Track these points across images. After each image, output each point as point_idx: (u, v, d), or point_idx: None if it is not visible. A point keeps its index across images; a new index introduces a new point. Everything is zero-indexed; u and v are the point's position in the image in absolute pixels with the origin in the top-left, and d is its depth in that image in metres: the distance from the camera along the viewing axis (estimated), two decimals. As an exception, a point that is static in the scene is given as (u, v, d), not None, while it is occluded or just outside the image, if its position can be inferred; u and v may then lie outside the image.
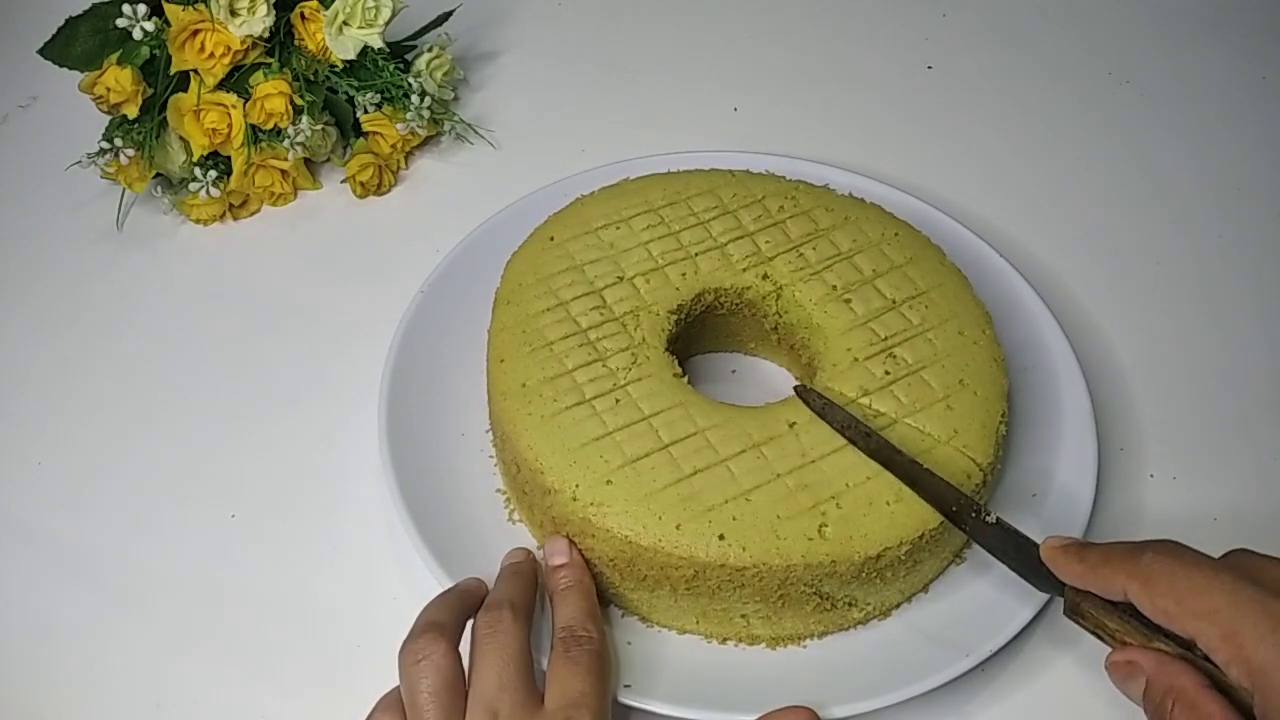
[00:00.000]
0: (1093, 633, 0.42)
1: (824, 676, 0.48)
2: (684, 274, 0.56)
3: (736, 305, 0.57)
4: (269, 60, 0.66)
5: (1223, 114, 0.77)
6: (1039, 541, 0.45)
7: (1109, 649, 0.42)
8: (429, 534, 0.51)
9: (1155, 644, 0.39)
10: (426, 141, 0.73)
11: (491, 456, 0.56)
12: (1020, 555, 0.45)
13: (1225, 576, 0.38)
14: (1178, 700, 0.38)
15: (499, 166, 0.73)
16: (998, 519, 0.47)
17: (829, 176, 0.63)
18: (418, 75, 0.70)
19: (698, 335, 0.58)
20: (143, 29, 0.63)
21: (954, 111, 0.77)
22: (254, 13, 0.65)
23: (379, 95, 0.69)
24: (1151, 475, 0.58)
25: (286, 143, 0.66)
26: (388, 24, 0.68)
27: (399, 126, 0.69)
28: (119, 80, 0.63)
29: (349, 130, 0.71)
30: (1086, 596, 0.42)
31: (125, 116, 0.65)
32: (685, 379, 0.52)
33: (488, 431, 0.56)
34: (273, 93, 0.65)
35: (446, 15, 0.74)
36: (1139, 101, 0.78)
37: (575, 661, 0.45)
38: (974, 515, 0.47)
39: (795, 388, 0.50)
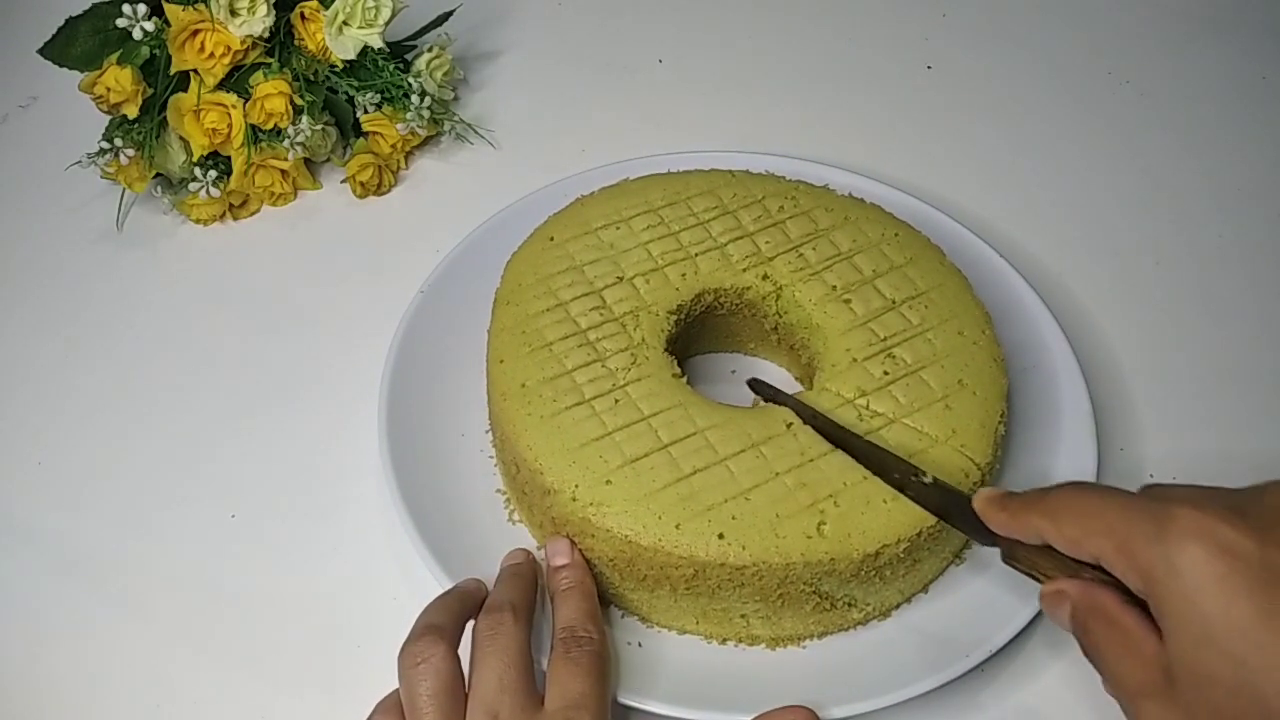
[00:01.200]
0: (1029, 575, 0.43)
1: (823, 677, 0.48)
2: (684, 274, 0.56)
3: (736, 305, 0.57)
4: (269, 60, 0.66)
5: (1223, 114, 0.77)
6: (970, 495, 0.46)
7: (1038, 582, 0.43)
8: (429, 534, 0.51)
9: (1080, 574, 0.41)
10: (426, 141, 0.73)
11: (491, 456, 0.56)
12: (960, 512, 0.46)
13: (1118, 494, 0.39)
14: (1097, 617, 0.39)
15: (499, 166, 0.73)
16: (934, 479, 0.47)
17: (829, 176, 0.63)
18: (418, 75, 0.70)
19: (697, 335, 0.58)
20: (143, 29, 0.63)
21: (954, 111, 0.77)
22: (254, 13, 0.65)
23: (379, 95, 0.69)
24: (1151, 475, 0.58)
25: (286, 143, 0.66)
26: (388, 24, 0.68)
27: (399, 126, 0.69)
28: (119, 80, 0.63)
29: (349, 130, 0.71)
30: (1018, 543, 0.43)
31: (125, 116, 0.65)
32: (685, 379, 0.52)
33: (488, 431, 0.57)
34: (273, 93, 0.65)
35: (446, 15, 0.74)
36: (1139, 101, 0.78)
37: (575, 662, 0.45)
38: (914, 478, 0.47)
39: (748, 381, 0.52)
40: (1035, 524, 0.41)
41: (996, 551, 0.45)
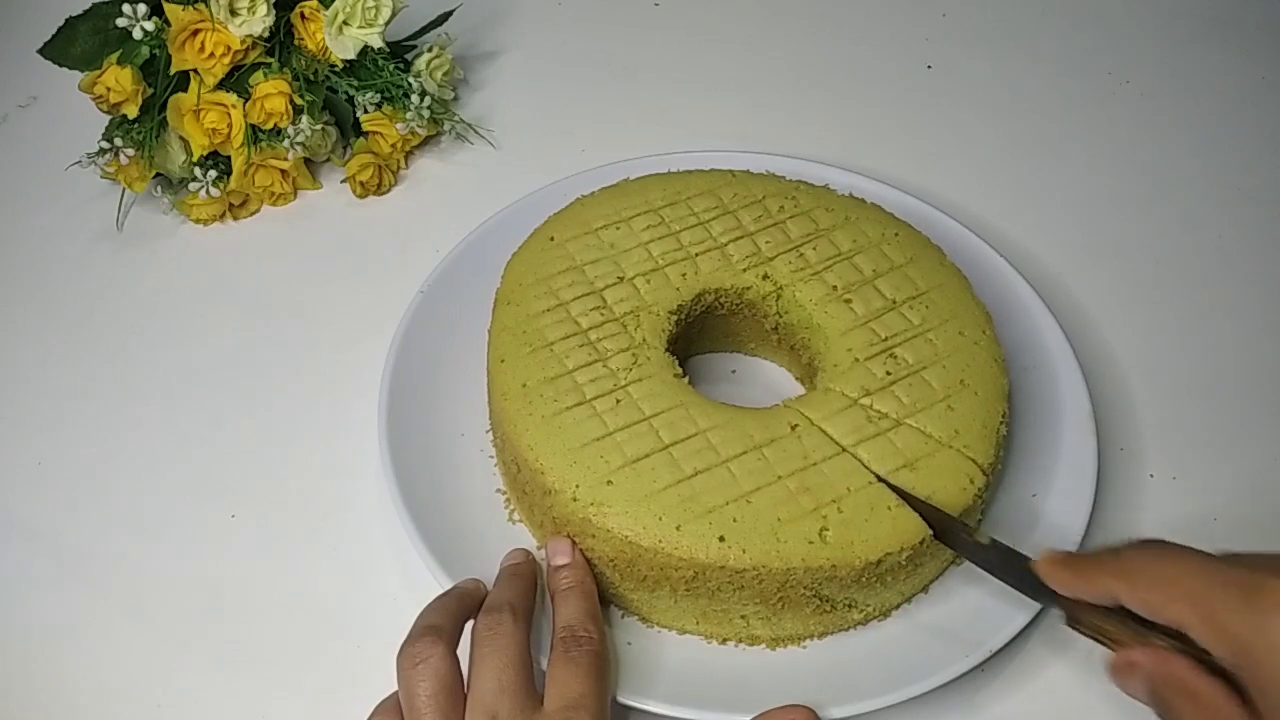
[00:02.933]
0: (1095, 639, 0.42)
1: (823, 677, 0.48)
2: (684, 274, 0.56)
3: (737, 305, 0.57)
4: (269, 60, 0.66)
5: (1223, 114, 0.77)
6: (1030, 556, 0.45)
7: (1102, 653, 0.42)
8: (429, 534, 0.51)
9: (1151, 640, 0.40)
10: (426, 141, 0.73)
11: (491, 456, 0.56)
12: (1015, 571, 0.46)
13: (1198, 560, 0.38)
14: (1178, 690, 0.38)
15: (499, 166, 0.73)
16: (992, 539, 0.47)
17: (829, 176, 0.63)
18: (418, 75, 0.70)
19: (698, 335, 0.58)
20: (143, 29, 0.63)
21: (954, 111, 0.77)
22: (254, 12, 0.65)
23: (379, 95, 0.69)
24: (1151, 475, 0.58)
25: (286, 143, 0.66)
26: (388, 24, 0.68)
27: (399, 126, 0.69)
28: (119, 80, 0.63)
29: (349, 130, 0.71)
30: (1082, 604, 0.42)
31: (125, 116, 0.65)
32: (686, 379, 0.52)
33: (488, 431, 0.57)
34: (273, 93, 0.65)
35: (446, 15, 0.74)
36: (1139, 101, 0.78)
37: (575, 662, 0.45)
38: (969, 539, 0.47)
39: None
40: (1108, 585, 0.40)
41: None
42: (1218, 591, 0.36)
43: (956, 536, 0.47)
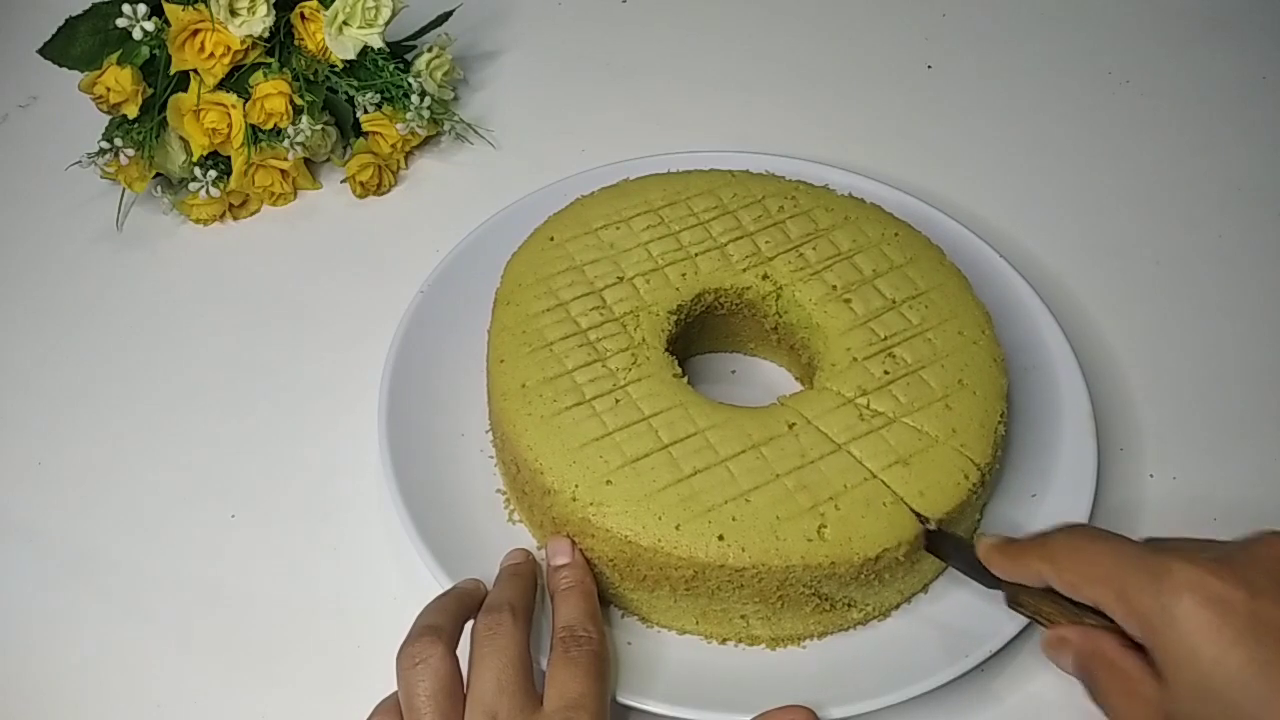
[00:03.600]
0: (1033, 619, 0.45)
1: (823, 677, 0.48)
2: (684, 274, 0.56)
3: (736, 305, 0.57)
4: (269, 60, 0.66)
5: (1223, 114, 0.77)
6: (973, 542, 0.47)
7: (1043, 626, 0.44)
8: (429, 534, 0.51)
9: (1082, 619, 0.42)
10: (426, 141, 0.73)
11: (491, 456, 0.56)
12: (964, 556, 0.47)
13: (1116, 542, 0.41)
14: (1100, 662, 0.41)
15: (499, 166, 0.73)
16: (937, 526, 0.48)
17: (829, 176, 0.63)
18: (418, 75, 0.70)
19: (698, 335, 0.58)
20: (143, 29, 0.63)
21: (954, 111, 0.77)
22: (254, 13, 0.65)
23: (379, 95, 0.69)
24: (1151, 475, 0.58)
25: (286, 143, 0.66)
26: (388, 24, 0.68)
27: (399, 126, 0.69)
28: (119, 80, 0.63)
29: (349, 130, 0.71)
30: (1021, 586, 0.44)
31: (125, 116, 0.65)
32: (685, 379, 0.52)
33: (488, 431, 0.57)
34: (273, 93, 0.65)
35: (446, 15, 0.74)
36: (1139, 101, 0.78)
37: (575, 662, 0.45)
38: (922, 524, 0.48)
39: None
40: (1036, 567, 0.43)
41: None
42: (1129, 573, 0.39)
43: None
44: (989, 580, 0.46)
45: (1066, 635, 0.42)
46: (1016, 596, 0.45)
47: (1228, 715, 0.36)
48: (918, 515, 0.48)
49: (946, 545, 0.48)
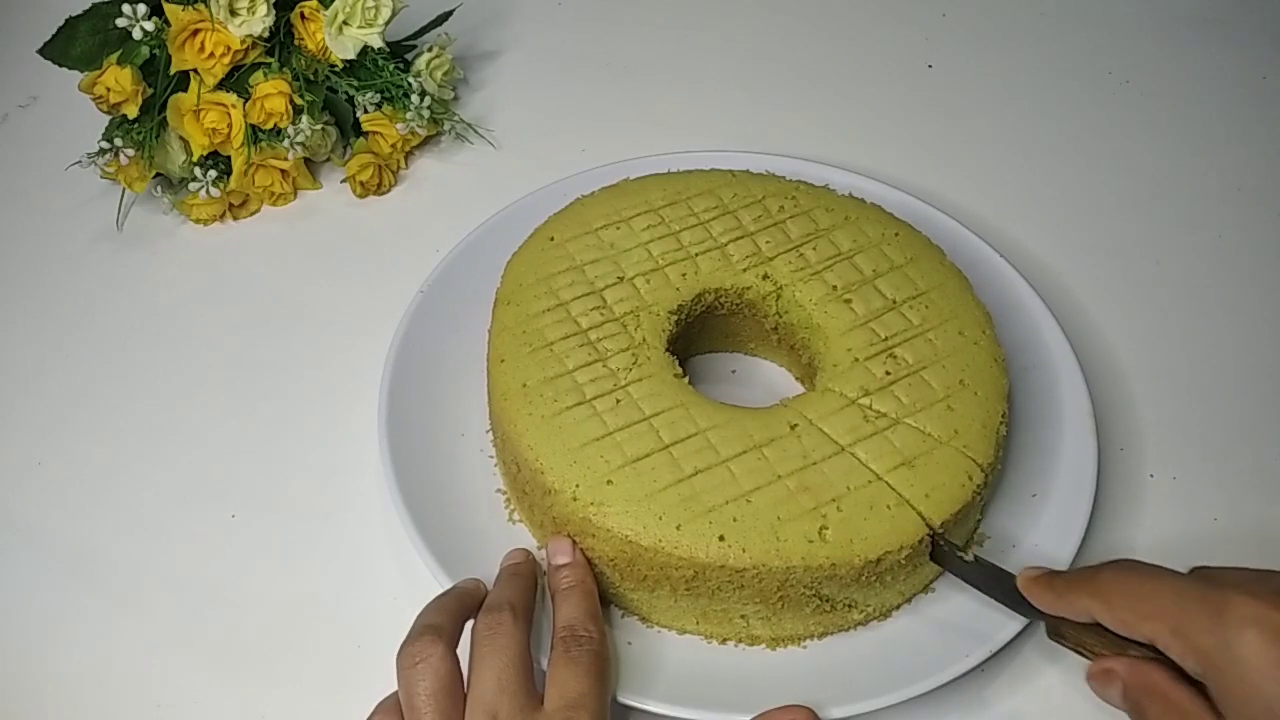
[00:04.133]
0: (1076, 650, 0.44)
1: (823, 677, 0.48)
2: (684, 274, 0.56)
3: (737, 305, 0.57)
4: (269, 60, 0.66)
5: (1223, 114, 0.77)
6: (1013, 573, 0.47)
7: (1085, 658, 0.44)
8: (429, 534, 0.51)
9: (1128, 651, 0.42)
10: (426, 141, 0.73)
11: (491, 456, 0.56)
12: (1001, 588, 0.47)
13: (1170, 578, 0.40)
14: (1152, 696, 0.40)
15: (499, 166, 0.73)
16: (975, 557, 0.48)
17: (829, 176, 0.63)
18: (418, 75, 0.70)
19: (698, 335, 0.58)
20: (143, 29, 0.63)
21: (954, 111, 0.77)
22: (254, 12, 0.65)
23: (379, 95, 0.69)
24: (1151, 475, 0.58)
25: (286, 143, 0.66)
26: (388, 24, 0.68)
27: (399, 126, 0.69)
28: (119, 80, 0.63)
29: (349, 130, 0.71)
30: (1064, 619, 0.44)
31: (125, 116, 0.65)
32: (686, 379, 0.52)
33: (488, 431, 0.57)
34: (273, 93, 0.65)
35: (446, 15, 0.74)
36: (1139, 101, 0.78)
37: (575, 662, 0.45)
38: (957, 555, 0.48)
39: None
40: (1084, 604, 0.42)
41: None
42: (1186, 608, 0.39)
43: (944, 555, 0.48)
44: (1028, 610, 0.46)
45: (1113, 668, 0.41)
46: (1059, 629, 0.44)
47: None
48: (955, 545, 0.48)
49: (986, 577, 0.48)
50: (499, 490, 0.55)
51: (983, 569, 0.48)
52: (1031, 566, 0.46)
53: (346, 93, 0.69)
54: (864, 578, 0.47)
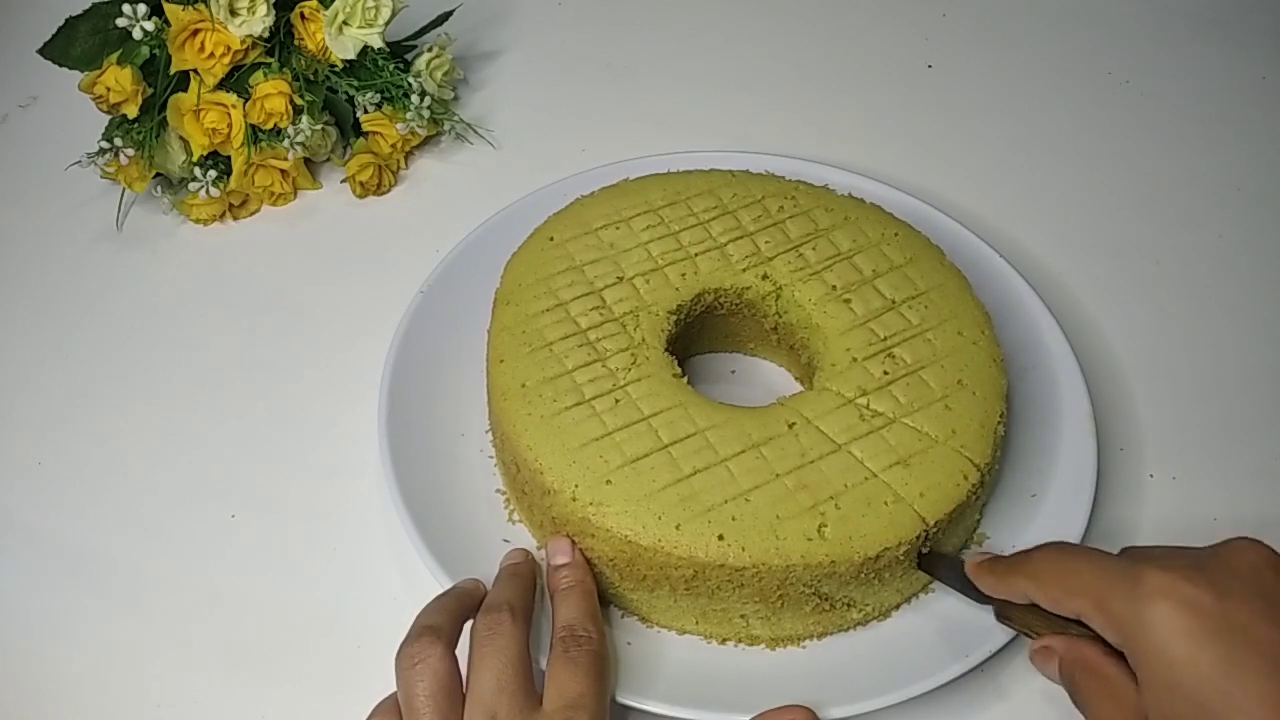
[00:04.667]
0: (1023, 633, 0.46)
1: (823, 677, 0.48)
2: (684, 274, 0.56)
3: (736, 305, 0.57)
4: (269, 60, 0.66)
5: (1223, 114, 0.77)
6: (963, 560, 0.48)
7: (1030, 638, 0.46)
8: (429, 534, 0.51)
9: (1067, 630, 0.43)
10: (426, 141, 0.73)
11: (491, 457, 0.56)
12: (956, 574, 0.48)
13: (1095, 556, 0.42)
14: (1082, 669, 0.42)
15: (499, 166, 0.73)
16: (929, 548, 0.49)
17: (829, 176, 0.63)
18: (418, 75, 0.70)
19: (698, 335, 0.58)
20: (143, 29, 0.63)
21: (954, 111, 0.77)
22: (254, 12, 0.65)
23: (379, 95, 0.69)
24: (1151, 475, 0.58)
25: (286, 143, 0.66)
26: (388, 24, 0.68)
27: (399, 126, 0.69)
28: (119, 80, 0.63)
29: (349, 130, 0.71)
30: (1009, 602, 0.46)
31: (125, 116, 0.65)
32: (685, 379, 0.52)
33: (488, 431, 0.57)
34: (273, 93, 0.65)
35: (446, 15, 0.74)
36: (1139, 101, 0.78)
37: (575, 662, 0.45)
38: (920, 554, 0.49)
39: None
40: (1020, 585, 0.44)
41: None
42: (1106, 583, 0.41)
43: (924, 559, 0.50)
44: (979, 597, 0.47)
45: (1051, 645, 0.44)
46: (1005, 611, 0.46)
47: (1199, 714, 0.37)
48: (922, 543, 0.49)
49: (939, 564, 0.49)
50: (499, 490, 0.55)
51: (935, 557, 0.49)
52: (978, 552, 0.48)
53: (346, 93, 0.69)
54: (863, 575, 0.47)
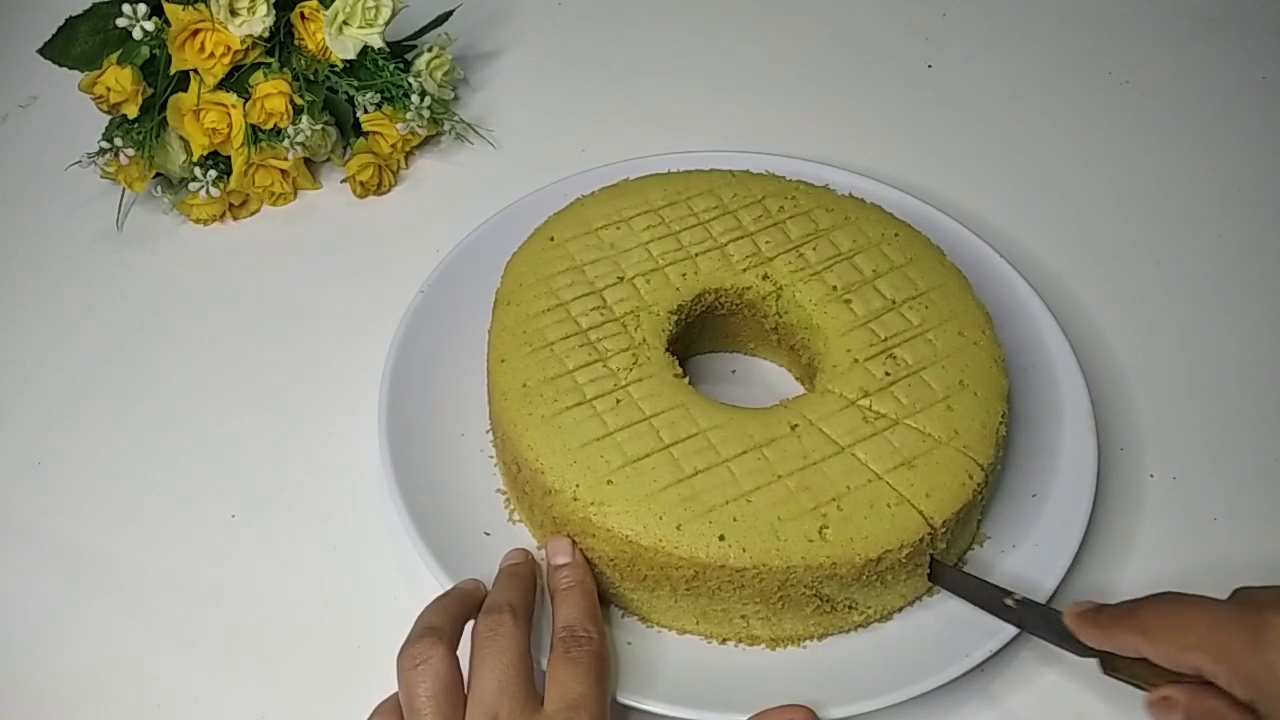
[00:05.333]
0: (1132, 684, 0.44)
1: (823, 677, 0.48)
2: (684, 274, 0.56)
3: (736, 305, 0.57)
4: (269, 60, 0.66)
5: (1223, 114, 0.77)
6: (1058, 610, 0.46)
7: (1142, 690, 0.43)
8: (429, 534, 0.51)
9: (1183, 680, 0.41)
10: (426, 141, 0.73)
11: (491, 457, 0.56)
12: (1051, 627, 0.46)
13: (1206, 606, 0.41)
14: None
15: (499, 166, 0.73)
16: (1021, 598, 0.48)
17: (829, 176, 0.63)
18: (418, 75, 0.70)
19: (698, 335, 0.58)
20: (143, 29, 0.63)
21: (954, 111, 0.77)
22: (254, 12, 0.65)
23: (379, 95, 0.69)
24: (1151, 475, 0.58)
25: (286, 143, 0.66)
26: (388, 24, 0.68)
27: (399, 126, 0.69)
28: (119, 80, 0.63)
29: (349, 130, 0.71)
30: (1116, 655, 0.44)
31: (125, 116, 0.65)
32: (686, 379, 0.52)
33: (488, 431, 0.57)
34: (273, 93, 0.65)
35: (446, 15, 0.74)
36: (1139, 101, 0.78)
37: (575, 662, 0.45)
38: (1003, 602, 0.48)
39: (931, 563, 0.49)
40: (1129, 641, 0.42)
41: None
42: (1225, 635, 0.39)
43: (993, 604, 0.48)
44: (1080, 649, 0.45)
45: (1173, 695, 0.41)
46: (1113, 663, 0.44)
47: None
48: (1000, 591, 0.48)
49: (1030, 615, 0.47)
50: (499, 490, 0.55)
51: (1029, 608, 0.47)
52: (1078, 602, 0.46)
53: (346, 93, 0.69)
54: (864, 577, 0.47)
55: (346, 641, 0.52)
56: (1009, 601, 0.48)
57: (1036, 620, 0.47)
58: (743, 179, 0.60)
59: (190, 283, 0.67)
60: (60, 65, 0.65)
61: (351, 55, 0.67)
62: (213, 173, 0.67)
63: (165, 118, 0.65)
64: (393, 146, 0.70)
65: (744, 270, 0.56)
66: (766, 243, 0.57)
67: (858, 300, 0.55)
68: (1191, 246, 0.69)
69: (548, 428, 0.50)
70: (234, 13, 0.64)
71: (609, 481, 0.48)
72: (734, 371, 0.61)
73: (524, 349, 0.52)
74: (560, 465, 0.49)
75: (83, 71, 0.64)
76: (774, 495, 0.47)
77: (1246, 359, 0.63)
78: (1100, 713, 0.50)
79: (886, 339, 0.53)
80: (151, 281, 0.67)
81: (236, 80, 0.66)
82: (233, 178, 0.67)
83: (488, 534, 0.53)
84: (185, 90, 0.65)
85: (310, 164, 0.72)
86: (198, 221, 0.69)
